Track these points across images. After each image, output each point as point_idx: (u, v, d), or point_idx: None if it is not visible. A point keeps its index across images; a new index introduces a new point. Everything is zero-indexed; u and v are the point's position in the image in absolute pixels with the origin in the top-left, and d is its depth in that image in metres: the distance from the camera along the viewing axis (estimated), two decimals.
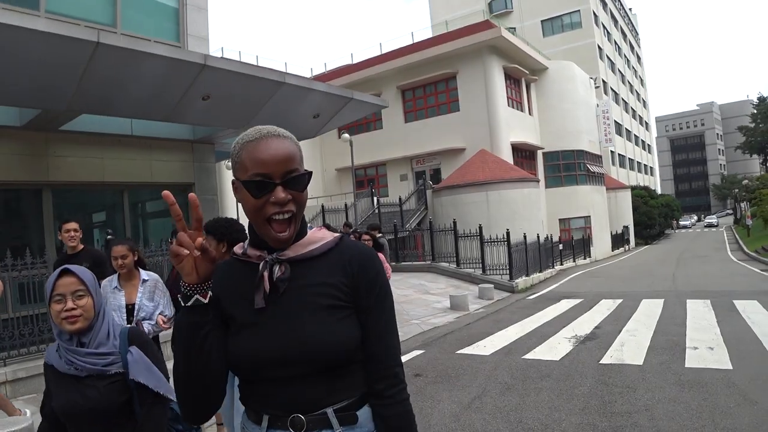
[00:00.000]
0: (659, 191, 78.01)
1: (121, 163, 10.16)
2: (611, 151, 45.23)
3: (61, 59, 6.87)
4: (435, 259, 17.81)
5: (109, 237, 8.49)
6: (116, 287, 4.16)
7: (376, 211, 22.63)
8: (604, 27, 52.11)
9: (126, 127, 10.28)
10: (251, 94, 9.70)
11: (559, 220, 29.65)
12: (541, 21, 49.97)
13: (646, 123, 70.98)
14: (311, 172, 1.31)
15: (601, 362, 6.58)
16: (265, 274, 1.31)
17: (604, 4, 54.11)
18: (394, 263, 16.52)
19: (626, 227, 38.22)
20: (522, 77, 28.35)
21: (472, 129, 25.72)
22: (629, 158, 55.15)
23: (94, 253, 5.25)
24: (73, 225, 5.10)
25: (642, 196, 45.47)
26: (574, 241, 27.59)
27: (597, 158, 33.49)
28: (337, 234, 1.42)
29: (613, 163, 46.79)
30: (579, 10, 48.06)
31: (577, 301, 12.59)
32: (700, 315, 9.69)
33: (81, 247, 5.18)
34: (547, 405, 5.05)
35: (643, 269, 21.62)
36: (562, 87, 30.43)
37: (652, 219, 45.00)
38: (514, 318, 10.48)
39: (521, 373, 6.26)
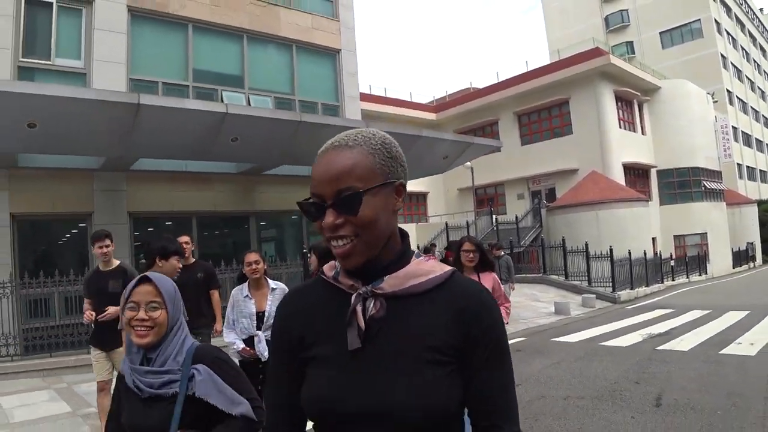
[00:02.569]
0: None
1: (301, 194, 14.11)
2: (738, 164, 45.07)
3: (272, 134, 10.79)
4: (546, 272, 20.55)
5: (304, 251, 12.14)
6: (247, 295, 4.53)
7: (495, 228, 25.52)
8: (728, 34, 51.61)
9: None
10: (401, 144, 13.26)
11: (674, 236, 31.06)
12: (660, 33, 50.44)
13: None
14: (361, 193, 1.06)
15: (656, 348, 9.32)
16: (358, 308, 1.10)
17: (728, 9, 53.51)
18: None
19: (751, 243, 38.28)
20: (634, 99, 30.22)
21: (584, 151, 28.03)
22: (761, 170, 53.92)
23: (206, 265, 6.00)
24: (185, 238, 5.71)
25: None
26: (688, 258, 28.95)
27: (716, 174, 34.31)
28: (448, 268, 1.18)
29: (740, 177, 46.42)
30: (699, 19, 48.15)
31: (670, 310, 14.94)
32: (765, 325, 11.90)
33: (193, 259, 5.89)
34: (602, 367, 7.98)
35: (755, 287, 22.92)
36: (675, 105, 31.82)
37: None
38: (607, 321, 13.17)
39: (593, 352, 9.16)
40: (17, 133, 8.95)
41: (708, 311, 14.44)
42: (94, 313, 5.00)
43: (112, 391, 4.72)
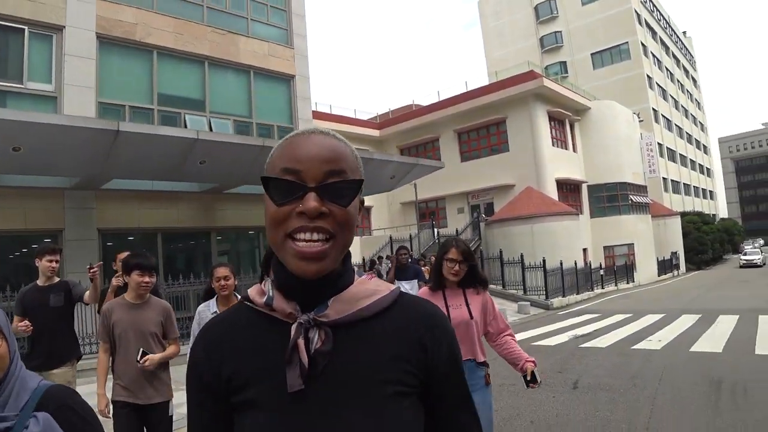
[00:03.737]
0: (724, 215, 79.45)
1: (260, 211, 15.29)
2: (663, 179, 48.50)
3: (237, 157, 11.91)
4: None
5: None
6: (215, 312, 4.15)
7: (437, 241, 27.07)
8: (653, 56, 55.51)
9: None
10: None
11: (604, 247, 33.51)
12: (591, 54, 53.79)
13: (704, 147, 73.14)
14: (362, 180, 0.99)
15: (579, 346, 10.93)
16: (300, 342, 0.94)
17: (653, 33, 57.56)
18: None
19: (674, 253, 41.28)
20: (566, 118, 32.56)
21: (520, 167, 30.06)
22: (684, 183, 57.91)
23: (65, 284, 5.23)
24: (56, 256, 5.07)
25: (694, 222, 48.26)
26: (616, 267, 31.34)
27: (641, 188, 37.07)
28: (394, 287, 1.06)
29: (666, 190, 49.94)
30: (627, 42, 51.73)
31: (596, 314, 16.75)
32: (679, 324, 13.67)
33: (57, 279, 5.19)
34: None
35: (675, 293, 25.26)
36: (603, 124, 34.40)
37: (704, 245, 47.71)
38: (539, 325, 14.80)
39: (525, 350, 10.65)
40: (7, 159, 9.82)
41: (629, 315, 16.28)
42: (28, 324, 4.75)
43: None
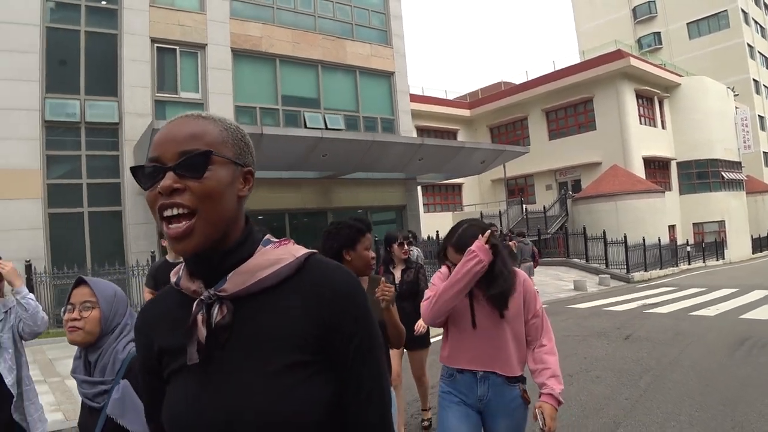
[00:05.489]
0: None
1: (368, 194, 17.95)
2: (764, 153, 47.64)
3: (351, 150, 14.53)
4: (569, 256, 24.10)
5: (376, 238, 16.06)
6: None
7: (525, 217, 28.98)
8: (756, 23, 53.82)
9: (372, 175, 18.05)
10: (447, 154, 17.00)
11: (693, 224, 34.26)
12: (687, 23, 52.83)
13: None
14: (211, 151, 1.01)
15: (643, 311, 12.91)
16: (199, 318, 1.02)
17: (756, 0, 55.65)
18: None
19: None
20: (654, 96, 33.35)
21: (607, 145, 31.34)
22: None
23: None
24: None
25: None
26: (705, 244, 32.12)
27: (735, 165, 37.23)
28: (301, 253, 1.09)
29: (767, 165, 49.00)
30: (726, 10, 50.45)
31: (672, 288, 18.39)
32: (746, 298, 15.24)
33: None
34: (597, 321, 11.61)
35: (764, 271, 26.05)
36: (694, 100, 34.83)
37: None
38: (615, 295, 16.71)
39: (595, 313, 12.79)
40: None
41: (702, 289, 17.82)
42: None
43: None
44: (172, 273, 1.14)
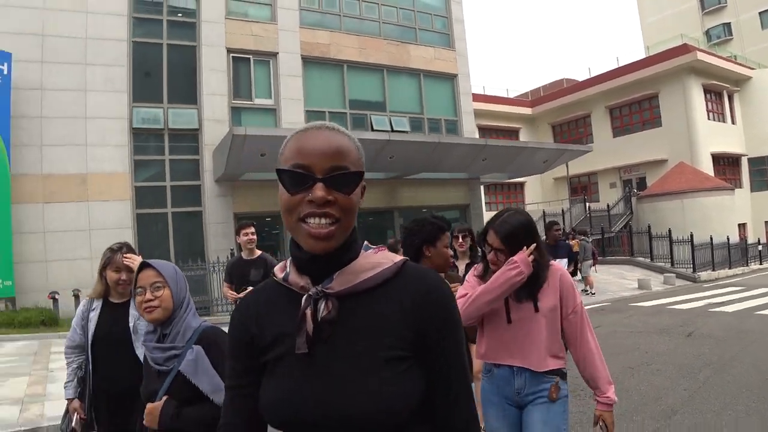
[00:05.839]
0: None
1: (432, 193, 18.54)
2: None
3: (417, 151, 15.12)
4: (633, 255, 24.04)
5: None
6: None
7: (588, 215, 28.94)
8: None
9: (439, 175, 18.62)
10: (509, 154, 17.41)
11: (766, 222, 33.26)
12: (759, 13, 51.03)
13: None
14: (362, 173, 1.16)
15: (708, 310, 13.02)
16: (308, 312, 1.13)
17: None
18: (600, 257, 23.10)
19: None
20: (723, 90, 32.62)
21: (673, 142, 30.89)
22: None
23: (267, 259, 5.83)
24: (249, 230, 5.75)
25: None
26: None
27: None
28: (399, 258, 1.21)
29: None
30: None
31: (740, 288, 18.22)
32: None
33: (258, 252, 5.83)
34: (661, 319, 11.84)
35: None
36: (767, 93, 33.84)
37: None
38: (681, 294, 16.75)
39: (659, 311, 12.99)
40: (252, 161, 13.71)
41: None
42: (235, 293, 5.54)
43: None
44: (278, 269, 1.26)
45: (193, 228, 15.49)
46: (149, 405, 2.23)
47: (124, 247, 3.21)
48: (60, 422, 3.29)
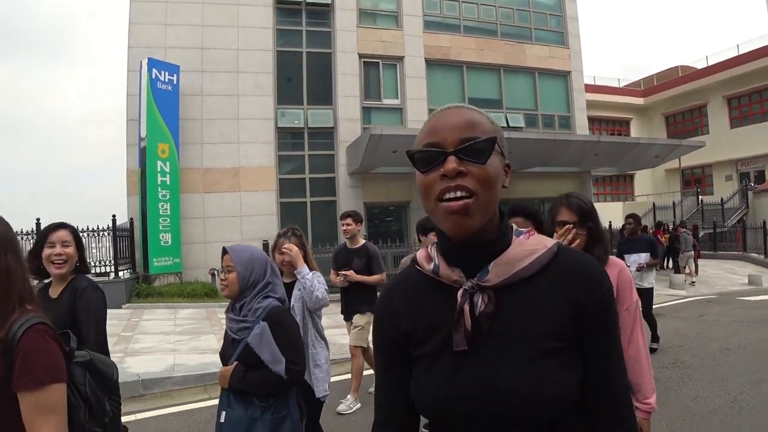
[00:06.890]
0: None
1: (544, 185, 19.77)
2: None
3: (533, 147, 16.43)
4: (746, 250, 24.15)
5: None
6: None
7: (700, 208, 28.78)
8: None
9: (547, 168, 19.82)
10: (621, 150, 18.39)
11: None
12: None
13: None
14: (494, 139, 1.10)
15: None
16: (466, 308, 1.10)
17: None
18: (711, 252, 23.45)
19: None
20: None
21: None
22: None
23: (369, 248, 6.03)
24: (347, 220, 5.96)
25: None
26: None
27: None
28: (552, 242, 1.18)
29: None
30: None
31: None
32: None
33: (362, 241, 6.08)
34: (766, 314, 12.69)
35: None
36: None
37: None
38: None
39: (764, 305, 13.67)
40: (384, 157, 15.51)
41: None
42: (341, 275, 5.83)
43: (361, 358, 5.93)
44: (424, 259, 1.22)
45: (328, 215, 17.52)
46: (222, 368, 2.76)
47: (289, 232, 3.92)
48: None
